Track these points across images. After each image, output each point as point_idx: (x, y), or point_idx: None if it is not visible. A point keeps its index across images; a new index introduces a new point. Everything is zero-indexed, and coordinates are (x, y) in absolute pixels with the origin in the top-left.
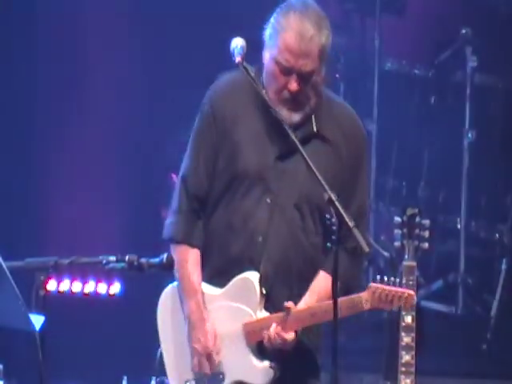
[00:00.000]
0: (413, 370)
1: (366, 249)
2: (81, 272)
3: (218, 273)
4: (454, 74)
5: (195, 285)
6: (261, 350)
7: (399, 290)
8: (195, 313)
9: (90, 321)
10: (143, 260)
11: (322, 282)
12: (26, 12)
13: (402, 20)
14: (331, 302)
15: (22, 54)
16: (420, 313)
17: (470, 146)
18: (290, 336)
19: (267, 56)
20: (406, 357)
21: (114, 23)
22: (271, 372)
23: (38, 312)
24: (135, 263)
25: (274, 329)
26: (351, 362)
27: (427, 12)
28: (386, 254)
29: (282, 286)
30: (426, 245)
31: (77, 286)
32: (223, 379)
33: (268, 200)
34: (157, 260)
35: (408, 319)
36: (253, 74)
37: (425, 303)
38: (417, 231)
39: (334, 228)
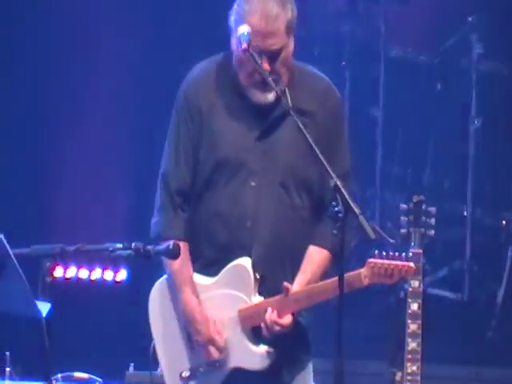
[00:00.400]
0: (419, 357)
1: (373, 236)
2: (87, 259)
3: (210, 262)
4: (459, 61)
5: (187, 277)
6: (257, 334)
7: (399, 263)
8: (190, 304)
9: (96, 307)
10: (149, 247)
11: (315, 257)
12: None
13: (408, 7)
14: (328, 281)
15: (33, 51)
16: (426, 300)
17: (475, 132)
18: (286, 320)
19: (235, 41)
20: (412, 344)
21: (127, 21)
22: (268, 356)
23: (45, 299)
24: (141, 250)
25: (269, 315)
26: (356, 348)
27: None
28: (391, 241)
29: (276, 267)
30: (432, 232)
31: (83, 273)
32: (219, 366)
33: (253, 183)
34: (163, 247)
35: (414, 306)
36: (259, 61)
37: (431, 290)
38: (423, 218)
39: (340, 215)
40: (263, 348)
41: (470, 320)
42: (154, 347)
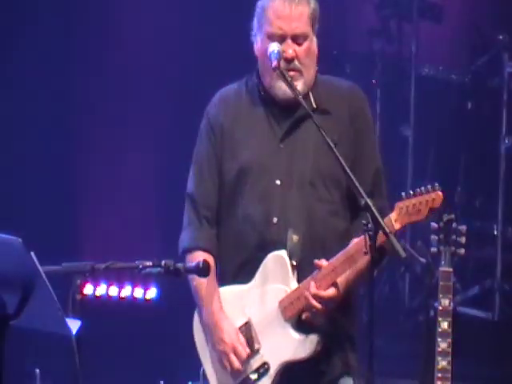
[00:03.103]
0: (449, 375)
1: (403, 254)
2: (117, 276)
3: (240, 265)
4: (490, 80)
5: (211, 288)
6: (301, 323)
7: (425, 196)
8: (213, 316)
9: (126, 325)
10: (179, 265)
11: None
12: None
13: (439, 25)
14: (359, 241)
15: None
16: (456, 319)
17: (506, 151)
18: (329, 292)
19: (259, 40)
20: (442, 362)
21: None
22: (314, 342)
23: (75, 316)
24: (171, 268)
25: (311, 289)
26: (387, 366)
27: (464, 17)
28: (422, 259)
29: (309, 257)
30: (463, 251)
31: (113, 291)
32: (268, 368)
33: (278, 182)
34: (193, 264)
35: (444, 325)
36: (289, 79)
37: (461, 309)
38: (453, 237)
39: (371, 233)
40: (308, 335)
41: (501, 339)
42: (203, 371)
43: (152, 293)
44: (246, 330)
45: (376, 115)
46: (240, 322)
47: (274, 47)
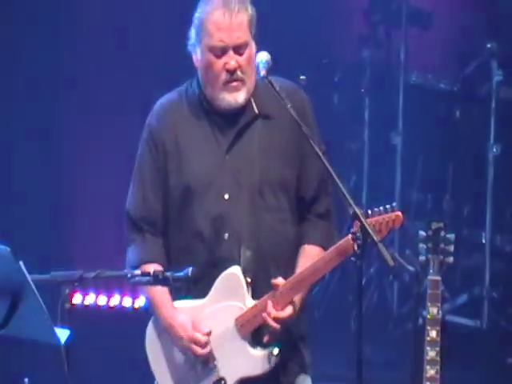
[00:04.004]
0: None
1: (391, 263)
2: (106, 286)
3: (195, 283)
4: (479, 88)
5: (165, 297)
6: (257, 339)
7: (385, 216)
8: (167, 318)
9: (115, 334)
10: (168, 273)
11: (309, 252)
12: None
13: (428, 33)
14: (318, 260)
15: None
16: (445, 327)
17: (494, 159)
18: (287, 312)
19: (199, 52)
20: (430, 371)
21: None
22: (274, 355)
23: (64, 325)
24: (160, 277)
25: (269, 309)
26: (376, 374)
27: (453, 25)
28: (410, 268)
29: (263, 270)
30: (451, 259)
31: (102, 300)
32: (227, 381)
33: (226, 196)
34: (182, 274)
35: (433, 333)
36: (277, 88)
37: (450, 317)
38: (442, 245)
39: (359, 242)
40: (266, 350)
41: (489, 347)
42: None
43: (141, 301)
44: None
45: (365, 123)
46: None
47: (262, 56)
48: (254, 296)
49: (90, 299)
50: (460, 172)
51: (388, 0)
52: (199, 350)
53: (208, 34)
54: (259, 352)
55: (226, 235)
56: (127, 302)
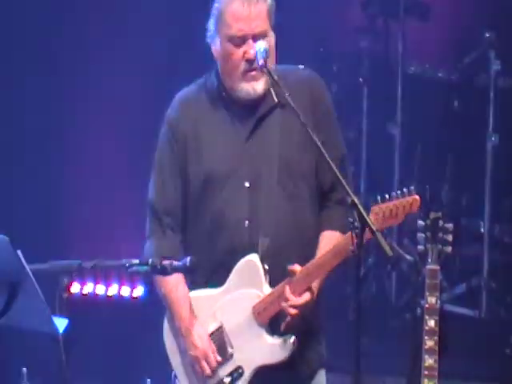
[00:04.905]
0: (436, 373)
1: (390, 253)
2: (104, 275)
3: (215, 272)
4: (477, 78)
5: (181, 294)
6: (274, 327)
7: (401, 200)
8: (184, 321)
9: (113, 324)
10: (166, 263)
11: (328, 238)
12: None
13: (426, 23)
14: (338, 243)
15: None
16: (443, 316)
17: (493, 149)
18: (304, 298)
19: (218, 42)
20: (429, 360)
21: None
22: (291, 344)
23: (62, 315)
24: (158, 266)
25: (287, 295)
26: (374, 364)
27: (451, 15)
28: (409, 257)
29: (282, 259)
30: (450, 248)
31: (100, 289)
32: (243, 372)
33: (246, 184)
34: (180, 263)
35: (431, 323)
36: (276, 77)
37: (448, 307)
38: (440, 235)
39: (357, 231)
40: (285, 338)
41: (488, 337)
42: (175, 375)
43: (139, 291)
44: (219, 334)
45: (363, 113)
46: (212, 327)
47: (260, 45)
48: (272, 284)
49: (88, 288)
50: (458, 161)
51: None
52: (207, 370)
53: (227, 24)
54: (276, 340)
55: (246, 223)
56: (125, 291)
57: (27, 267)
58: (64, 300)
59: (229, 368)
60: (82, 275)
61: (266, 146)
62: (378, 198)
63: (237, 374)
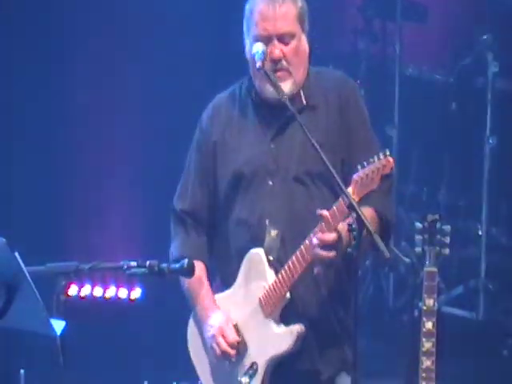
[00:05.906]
0: (433, 375)
1: (387, 254)
2: (102, 277)
3: (236, 270)
4: (475, 80)
5: (202, 287)
6: (283, 316)
7: (376, 164)
8: (205, 310)
9: (111, 326)
10: (164, 265)
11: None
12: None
13: (423, 25)
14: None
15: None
16: (441, 318)
17: (490, 151)
18: (332, 236)
19: (248, 43)
20: (426, 362)
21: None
22: (294, 332)
23: (59, 317)
24: (156, 268)
25: (318, 236)
26: (372, 366)
27: (448, 17)
28: (406, 259)
29: (289, 253)
30: (447, 251)
31: (98, 291)
32: (257, 368)
33: (270, 182)
34: (178, 265)
35: (429, 325)
36: (274, 78)
37: (445, 309)
38: (437, 237)
39: (355, 233)
40: (287, 327)
41: (485, 339)
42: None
43: (137, 293)
44: (236, 332)
45: None
46: None
47: (257, 47)
48: (278, 274)
49: (86, 290)
50: (456, 163)
51: None
52: (223, 345)
53: (254, 24)
54: (282, 328)
55: (267, 221)
56: (123, 293)
57: (25, 269)
58: (62, 302)
59: (245, 365)
60: (79, 277)
61: (288, 148)
62: (359, 167)
63: (252, 370)
